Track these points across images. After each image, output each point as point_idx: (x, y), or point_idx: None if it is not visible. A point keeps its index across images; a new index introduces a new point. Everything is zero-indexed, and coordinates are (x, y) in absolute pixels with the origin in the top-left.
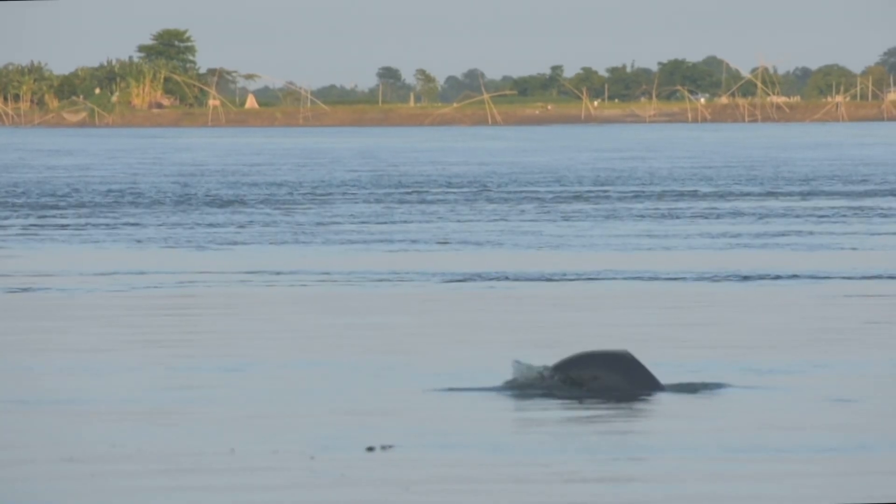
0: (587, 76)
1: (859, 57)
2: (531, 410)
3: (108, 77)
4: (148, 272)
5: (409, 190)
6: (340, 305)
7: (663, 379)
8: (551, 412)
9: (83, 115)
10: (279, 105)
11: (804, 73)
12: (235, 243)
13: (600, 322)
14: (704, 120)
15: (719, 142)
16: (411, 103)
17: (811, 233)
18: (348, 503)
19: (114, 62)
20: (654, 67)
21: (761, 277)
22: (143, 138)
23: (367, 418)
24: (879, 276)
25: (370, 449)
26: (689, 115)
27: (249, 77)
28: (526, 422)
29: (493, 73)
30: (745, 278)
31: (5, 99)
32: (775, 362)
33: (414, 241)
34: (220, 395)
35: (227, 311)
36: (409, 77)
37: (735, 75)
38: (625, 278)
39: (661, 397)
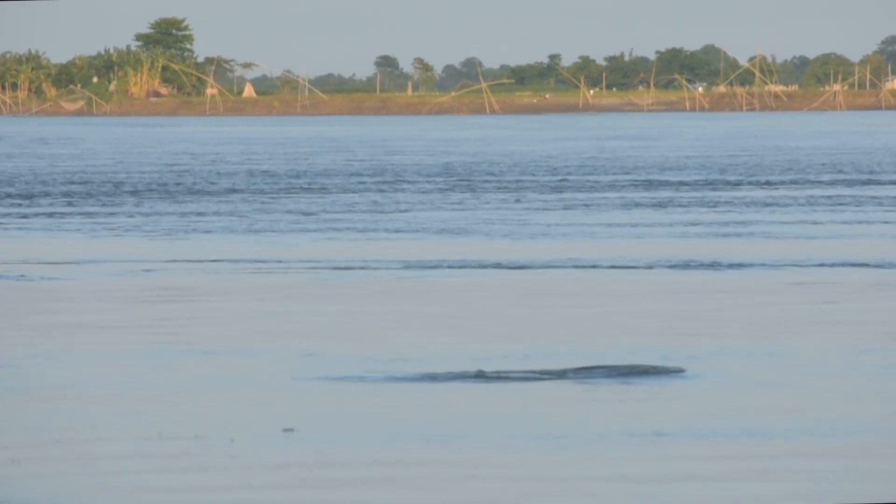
0: (585, 65)
1: (857, 46)
2: (454, 396)
3: (106, 66)
4: (114, 260)
5: (387, 179)
6: (308, 294)
7: (619, 362)
8: (462, 395)
9: (81, 103)
10: (277, 94)
11: (802, 62)
12: (204, 231)
13: (553, 311)
14: (702, 109)
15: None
16: (409, 92)
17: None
18: (265, 484)
19: (111, 51)
20: (652, 56)
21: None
22: (139, 127)
23: (286, 403)
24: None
25: (287, 430)
26: (687, 104)
27: (247, 66)
28: (443, 407)
29: (491, 61)
30: (714, 265)
31: (3, 88)
32: (734, 347)
33: (377, 230)
34: (155, 381)
35: (190, 298)
36: (406, 66)
37: (733, 64)
38: (581, 266)
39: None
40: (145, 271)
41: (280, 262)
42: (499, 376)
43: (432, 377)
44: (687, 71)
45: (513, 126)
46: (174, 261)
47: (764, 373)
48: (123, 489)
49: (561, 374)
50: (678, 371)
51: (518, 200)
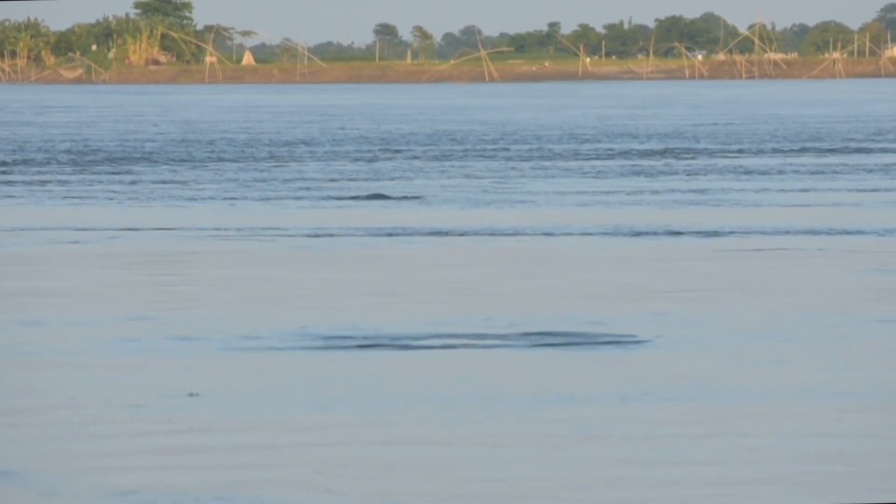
0: (584, 33)
1: (857, 13)
2: (357, 363)
3: (105, 33)
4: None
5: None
6: (270, 260)
7: (574, 331)
8: (373, 364)
9: (80, 71)
10: (276, 62)
11: (801, 30)
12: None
13: (503, 279)
14: (702, 77)
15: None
16: (408, 60)
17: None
18: (171, 446)
19: (110, 18)
20: (652, 24)
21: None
22: (138, 95)
23: (200, 370)
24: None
25: (192, 395)
26: (687, 72)
27: (246, 34)
28: (343, 374)
29: (490, 29)
30: (677, 233)
31: (2, 55)
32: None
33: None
34: (69, 348)
35: (148, 265)
36: (406, 34)
37: (732, 32)
38: (538, 234)
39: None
40: (110, 238)
41: (245, 230)
42: (445, 345)
43: (367, 344)
44: (686, 39)
45: (511, 94)
46: (137, 228)
47: (717, 339)
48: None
49: (505, 339)
50: (632, 338)
51: (514, 168)
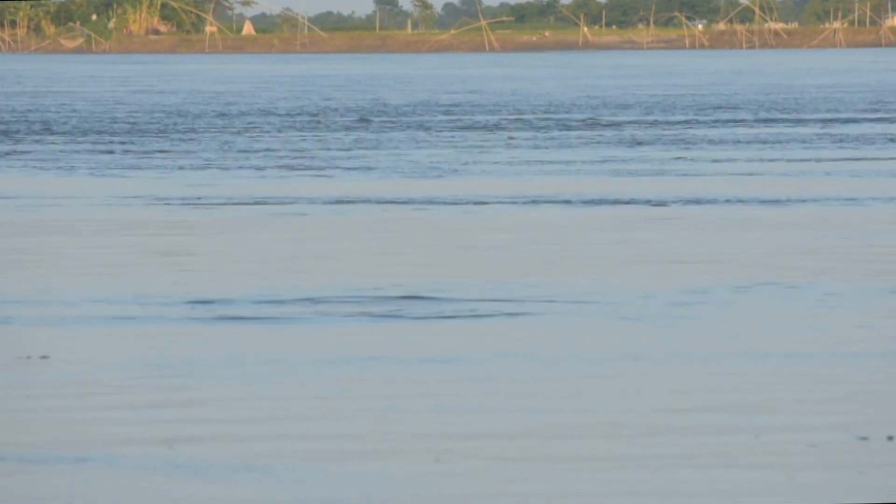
0: (584, 3)
1: None
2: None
3: (105, 3)
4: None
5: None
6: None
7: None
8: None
9: (80, 41)
10: (276, 32)
11: None
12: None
13: (444, 245)
14: (702, 46)
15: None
16: (408, 30)
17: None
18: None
19: None
20: None
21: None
22: (137, 64)
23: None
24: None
25: (43, 357)
26: (687, 42)
27: (246, 3)
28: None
29: None
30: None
31: (2, 25)
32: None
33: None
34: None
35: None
36: (406, 4)
37: (733, 2)
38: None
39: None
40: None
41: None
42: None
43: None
44: (686, 8)
45: (513, 64)
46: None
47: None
48: None
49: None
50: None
51: (511, 139)
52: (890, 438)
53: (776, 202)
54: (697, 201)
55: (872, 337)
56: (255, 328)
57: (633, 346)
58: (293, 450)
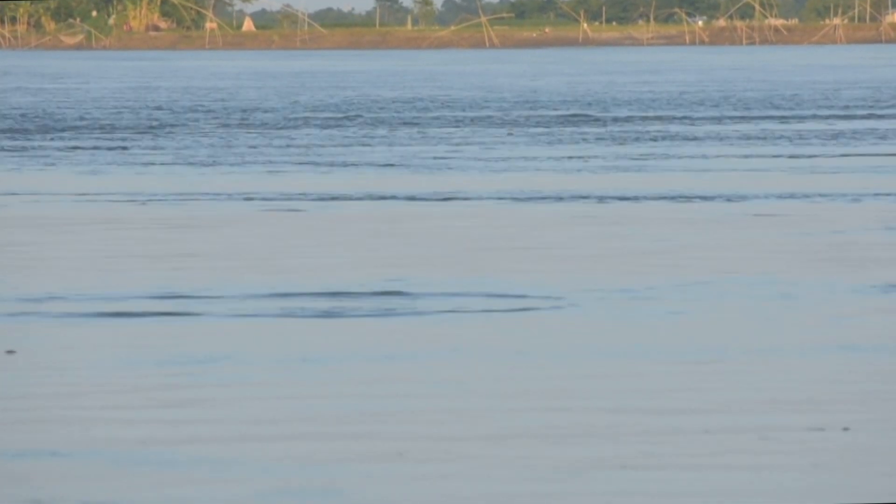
0: None
1: None
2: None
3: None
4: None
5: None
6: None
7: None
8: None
9: (80, 37)
10: (276, 28)
11: None
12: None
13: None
14: (702, 42)
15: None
16: (409, 26)
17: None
18: None
19: None
20: None
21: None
22: (136, 61)
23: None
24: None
25: (10, 352)
26: (687, 38)
27: (246, 0)
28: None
29: None
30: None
31: (2, 21)
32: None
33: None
34: None
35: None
36: (406, 0)
37: None
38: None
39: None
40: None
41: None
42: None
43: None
44: (686, 4)
45: (512, 60)
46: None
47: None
48: None
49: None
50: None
51: (510, 133)
52: (845, 429)
53: (755, 197)
54: (678, 197)
55: (858, 332)
56: (225, 325)
57: (606, 344)
58: (261, 448)
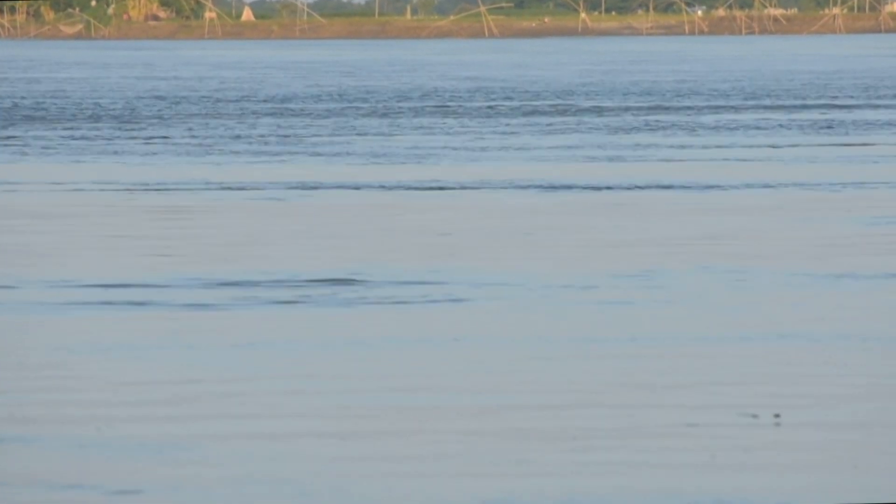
0: None
1: None
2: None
3: None
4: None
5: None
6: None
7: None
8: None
9: (79, 27)
10: (276, 18)
11: None
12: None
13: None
14: (702, 32)
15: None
16: (408, 16)
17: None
18: None
19: None
20: None
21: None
22: (137, 50)
23: None
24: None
25: None
26: (686, 28)
27: None
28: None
29: None
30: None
31: (1, 11)
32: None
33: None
34: None
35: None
36: None
37: None
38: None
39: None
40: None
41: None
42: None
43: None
44: None
45: (511, 49)
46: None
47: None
48: None
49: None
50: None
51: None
52: (776, 416)
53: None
54: (658, 186)
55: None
56: (181, 314)
57: (568, 330)
58: (220, 432)
